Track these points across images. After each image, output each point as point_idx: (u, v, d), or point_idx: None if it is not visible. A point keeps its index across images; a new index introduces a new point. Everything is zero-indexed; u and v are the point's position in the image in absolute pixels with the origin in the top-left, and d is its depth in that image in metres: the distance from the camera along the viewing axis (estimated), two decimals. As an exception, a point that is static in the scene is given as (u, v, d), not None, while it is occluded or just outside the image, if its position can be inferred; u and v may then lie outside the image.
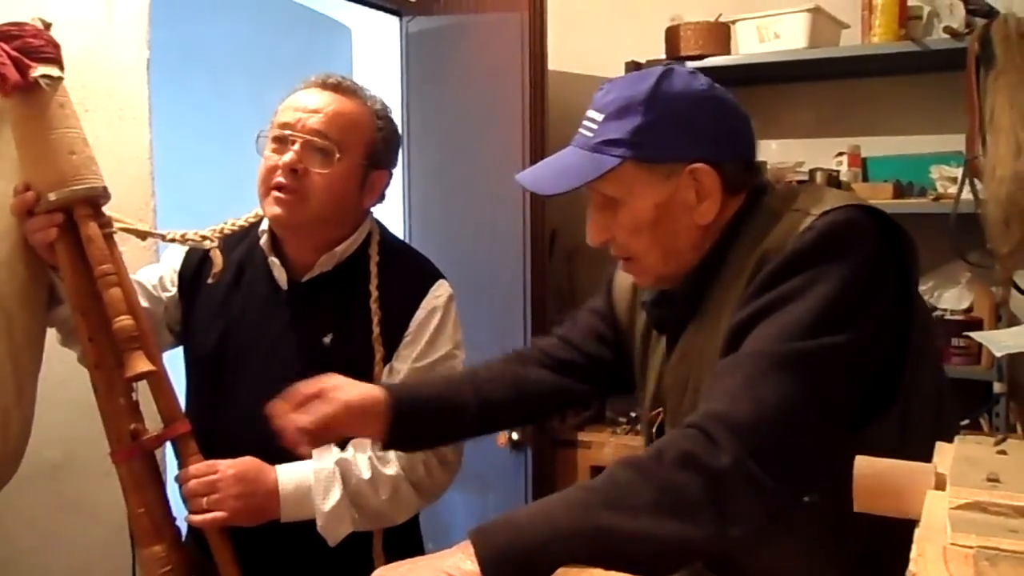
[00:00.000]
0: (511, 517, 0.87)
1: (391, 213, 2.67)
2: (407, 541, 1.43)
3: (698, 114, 1.02)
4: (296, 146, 1.32)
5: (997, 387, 2.16)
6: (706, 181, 1.02)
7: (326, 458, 1.32)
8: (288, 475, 1.29)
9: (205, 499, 1.23)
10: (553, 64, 2.58)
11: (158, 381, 1.24)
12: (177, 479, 1.25)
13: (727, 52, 2.53)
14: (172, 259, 1.46)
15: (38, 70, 1.16)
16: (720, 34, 2.53)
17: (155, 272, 1.45)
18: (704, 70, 2.51)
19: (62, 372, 1.35)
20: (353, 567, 1.30)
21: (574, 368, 1.26)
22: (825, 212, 0.96)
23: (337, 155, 1.33)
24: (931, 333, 1.04)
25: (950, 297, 2.39)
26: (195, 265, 1.42)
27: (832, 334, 0.90)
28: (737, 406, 0.87)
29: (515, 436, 2.32)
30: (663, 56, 2.59)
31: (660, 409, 1.13)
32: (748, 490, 0.84)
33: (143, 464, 1.23)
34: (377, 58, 2.89)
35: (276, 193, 1.33)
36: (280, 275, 1.40)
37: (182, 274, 1.44)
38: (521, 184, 1.10)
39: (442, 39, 2.69)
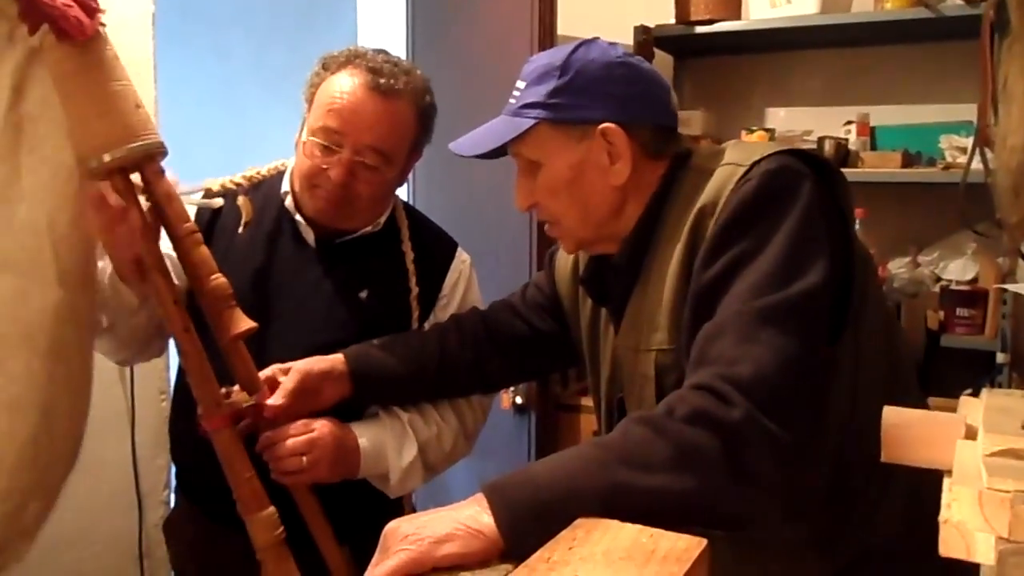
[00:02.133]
0: (527, 472, 0.87)
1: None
2: (390, 504, 1.44)
3: (611, 79, 1.06)
4: (345, 156, 1.29)
5: (1000, 357, 2.16)
6: (617, 142, 1.06)
7: (394, 413, 1.35)
8: (365, 432, 1.31)
9: (305, 458, 1.22)
10: (562, 29, 2.54)
11: (241, 347, 1.20)
12: (266, 439, 1.22)
13: (738, 17, 2.50)
14: None
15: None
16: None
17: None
18: (714, 35, 2.52)
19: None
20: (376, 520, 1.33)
21: (526, 342, 1.35)
22: (756, 162, 0.99)
23: (386, 168, 1.33)
24: (871, 267, 1.08)
25: (955, 267, 2.39)
26: (204, 225, 1.41)
27: (801, 278, 0.93)
28: (737, 366, 0.89)
29: (519, 400, 2.33)
30: (673, 21, 2.56)
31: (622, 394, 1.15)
32: (761, 442, 0.85)
33: (235, 429, 1.19)
34: (382, 22, 2.86)
35: (320, 192, 1.33)
36: (308, 234, 1.40)
37: None
38: (453, 151, 1.16)
39: (449, 2, 2.66)
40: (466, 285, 1.47)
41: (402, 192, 2.69)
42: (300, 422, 1.24)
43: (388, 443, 1.32)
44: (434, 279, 1.44)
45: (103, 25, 1.09)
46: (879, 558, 1.04)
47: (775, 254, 0.93)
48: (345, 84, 1.31)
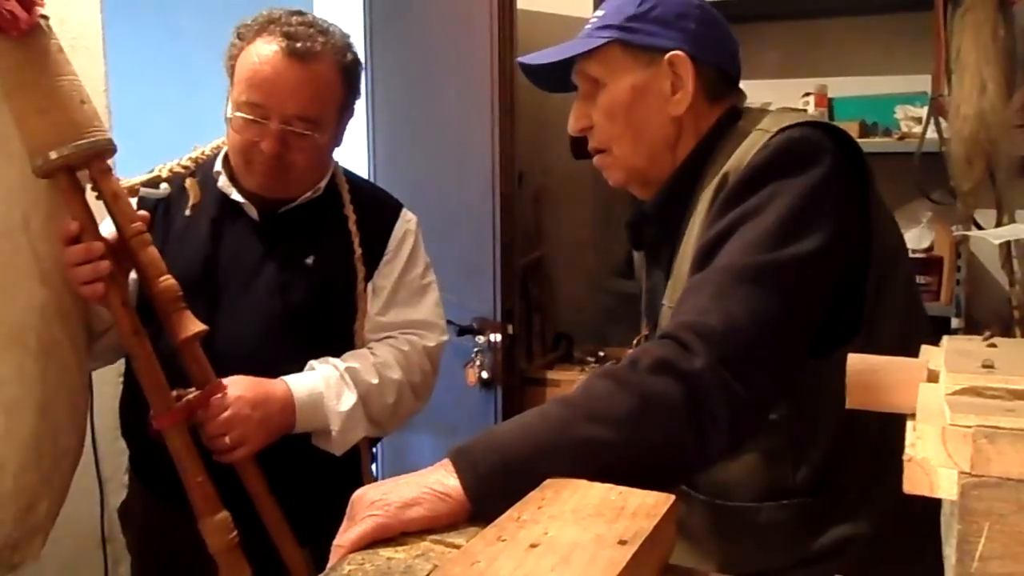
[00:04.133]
0: (491, 435, 0.87)
1: (355, 154, 2.63)
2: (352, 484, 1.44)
3: (688, 15, 1.10)
4: (274, 128, 1.28)
5: (955, 322, 2.21)
6: (683, 73, 1.08)
7: (330, 365, 1.34)
8: (300, 384, 1.30)
9: (227, 437, 1.21)
10: (522, 3, 2.53)
11: (193, 346, 1.20)
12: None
13: (696, -11, 2.51)
14: None
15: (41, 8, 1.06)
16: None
17: (107, 227, 1.43)
18: (673, 7, 2.50)
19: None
20: (338, 492, 1.31)
21: None
22: (781, 129, 0.99)
23: (318, 133, 1.31)
24: (899, 262, 1.06)
25: (912, 236, 2.43)
26: (150, 211, 1.39)
27: (794, 244, 0.92)
28: (707, 317, 0.89)
29: (484, 375, 2.33)
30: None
31: (646, 331, 1.19)
32: (721, 395, 0.85)
33: (187, 429, 1.19)
34: (338, -4, 2.81)
35: (256, 166, 1.31)
36: (249, 209, 1.39)
37: None
38: (521, 63, 1.19)
39: (406, -25, 2.62)
40: (412, 244, 1.47)
41: (363, 164, 2.68)
42: (215, 398, 1.22)
43: (325, 393, 1.31)
44: (379, 239, 1.44)
45: (44, 18, 1.07)
46: (860, 549, 1.04)
47: (775, 216, 0.93)
48: (263, 53, 1.28)
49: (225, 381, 1.24)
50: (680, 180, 1.09)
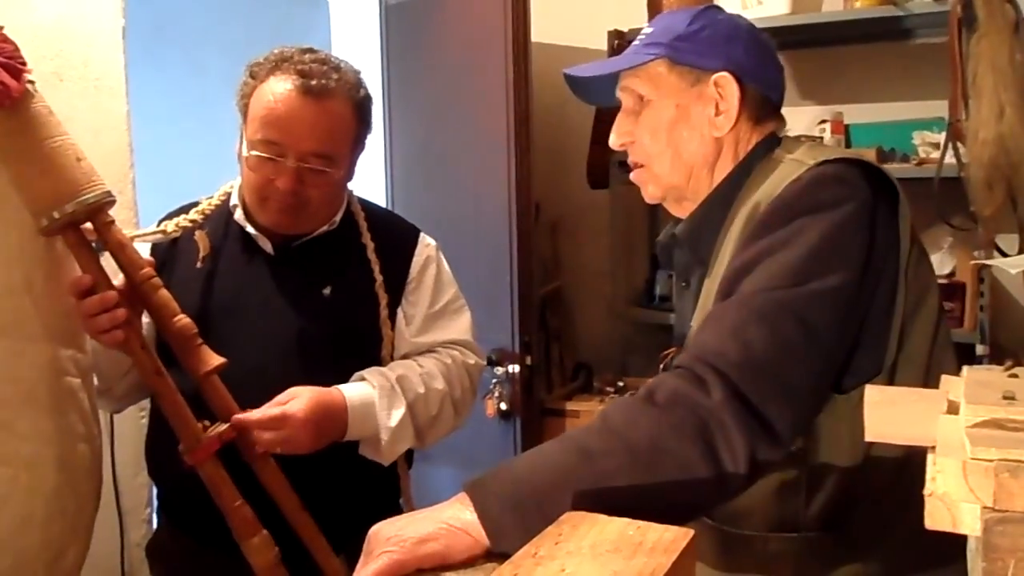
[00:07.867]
0: (507, 467, 0.87)
1: (373, 187, 2.65)
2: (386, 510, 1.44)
3: (736, 37, 1.10)
4: (290, 165, 1.29)
5: (980, 349, 2.18)
6: (727, 93, 1.07)
7: (381, 375, 1.34)
8: (353, 394, 1.31)
9: (279, 447, 1.23)
10: (536, 36, 2.55)
11: (214, 380, 1.22)
12: (237, 420, 1.22)
13: (710, 20, 2.52)
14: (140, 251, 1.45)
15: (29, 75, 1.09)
16: (702, 1, 2.52)
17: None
18: (687, 38, 2.51)
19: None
20: (375, 499, 1.35)
21: None
22: (817, 164, 0.98)
23: (333, 169, 1.33)
24: (928, 299, 1.04)
25: (933, 262, 2.38)
26: (163, 253, 1.41)
27: (817, 279, 0.91)
28: (725, 349, 0.88)
29: (503, 406, 2.32)
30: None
31: (674, 348, 1.18)
32: (738, 429, 0.85)
33: (218, 460, 1.21)
34: (356, 32, 2.85)
35: (272, 204, 1.33)
36: (264, 243, 1.40)
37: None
38: (567, 73, 1.19)
39: (422, 11, 2.66)
40: (436, 268, 1.48)
41: (380, 196, 2.70)
42: (276, 415, 1.22)
43: (377, 403, 1.32)
44: (399, 265, 1.44)
45: (31, 83, 1.10)
46: None
47: (800, 251, 0.93)
48: (277, 91, 1.29)
49: (289, 392, 1.24)
50: (713, 204, 1.09)
